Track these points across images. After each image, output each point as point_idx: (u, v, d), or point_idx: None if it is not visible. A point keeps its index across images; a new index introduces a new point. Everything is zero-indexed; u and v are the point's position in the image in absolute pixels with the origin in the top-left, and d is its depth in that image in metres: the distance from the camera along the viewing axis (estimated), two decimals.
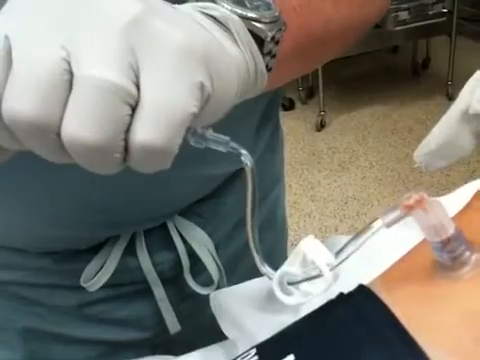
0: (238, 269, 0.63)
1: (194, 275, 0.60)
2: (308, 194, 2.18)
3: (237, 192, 0.59)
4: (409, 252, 0.27)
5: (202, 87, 0.26)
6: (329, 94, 2.63)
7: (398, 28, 2.40)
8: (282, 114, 2.48)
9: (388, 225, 0.23)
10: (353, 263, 0.44)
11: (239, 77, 0.29)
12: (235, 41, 0.29)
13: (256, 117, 0.56)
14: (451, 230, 0.23)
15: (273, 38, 0.31)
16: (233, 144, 0.29)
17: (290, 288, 0.27)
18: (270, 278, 0.28)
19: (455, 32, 2.46)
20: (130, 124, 0.25)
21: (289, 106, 2.73)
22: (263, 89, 0.33)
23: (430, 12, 2.41)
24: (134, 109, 0.25)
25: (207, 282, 0.60)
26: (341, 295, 0.25)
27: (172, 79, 0.25)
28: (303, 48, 0.39)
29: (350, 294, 0.25)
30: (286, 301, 0.27)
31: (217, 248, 0.60)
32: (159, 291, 0.59)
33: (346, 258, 0.25)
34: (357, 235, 0.24)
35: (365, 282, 0.28)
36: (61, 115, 0.24)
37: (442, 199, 0.43)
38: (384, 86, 2.79)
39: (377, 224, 0.24)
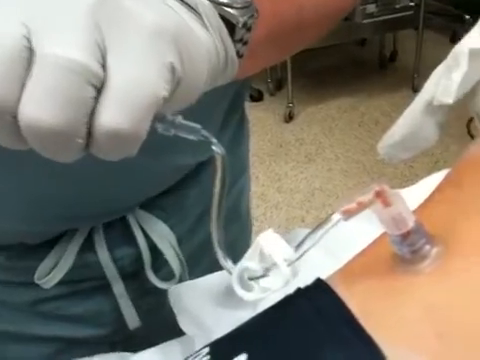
0: (201, 263, 0.62)
1: (155, 270, 0.58)
2: (275, 185, 2.18)
3: (201, 184, 0.58)
4: (369, 245, 0.26)
5: (173, 69, 0.25)
6: (297, 86, 2.63)
7: (366, 21, 2.41)
8: (250, 105, 2.48)
9: (346, 218, 0.22)
10: (317, 256, 0.43)
11: (209, 62, 0.28)
12: (204, 25, 0.28)
13: (223, 108, 0.55)
14: (411, 223, 0.22)
15: (245, 24, 0.30)
16: (204, 132, 0.28)
17: (251, 283, 0.26)
18: (230, 273, 0.27)
19: (422, 26, 2.49)
20: (94, 107, 0.23)
21: (257, 97, 2.73)
22: (233, 76, 0.32)
23: (397, 6, 2.43)
24: (99, 91, 0.23)
25: (169, 276, 0.58)
26: (298, 290, 0.24)
27: (141, 60, 0.23)
28: (276, 36, 0.38)
29: (307, 289, 0.24)
30: (245, 297, 0.26)
31: (179, 242, 0.58)
32: (119, 287, 0.57)
33: (304, 252, 0.24)
34: (316, 228, 0.23)
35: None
36: (19, 96, 0.22)
37: (404, 191, 0.42)
38: (351, 79, 2.81)
39: (336, 217, 0.23)
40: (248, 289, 0.26)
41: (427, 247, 0.23)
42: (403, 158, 0.48)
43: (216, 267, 0.37)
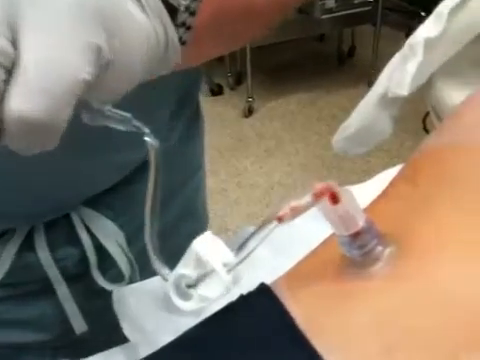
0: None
1: (103, 271, 0.55)
2: (235, 180, 2.16)
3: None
4: (317, 246, 0.24)
5: (98, 50, 0.22)
6: (257, 80, 2.62)
7: (325, 16, 2.42)
8: (210, 99, 2.44)
9: (282, 222, 0.20)
10: (267, 256, 0.41)
11: (147, 47, 0.26)
12: (143, 7, 0.25)
13: (172, 100, 0.52)
14: (361, 222, 0.20)
15: (188, 8, 0.28)
16: (136, 122, 0.26)
17: (189, 291, 0.24)
18: (166, 280, 0.25)
19: (380, 22, 2.52)
20: (5, 91, 0.20)
21: (217, 91, 2.70)
22: (176, 64, 0.30)
23: (356, 1, 2.45)
24: (10, 73, 0.20)
25: (118, 278, 0.55)
26: (240, 297, 0.22)
27: (58, 38, 0.21)
28: (223, 22, 0.36)
29: (249, 295, 0.22)
30: (182, 306, 0.24)
31: (129, 241, 0.55)
32: (62, 289, 0.53)
33: (245, 257, 0.22)
34: (259, 229, 0.21)
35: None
36: None
37: (357, 187, 0.41)
38: (311, 74, 2.81)
39: (280, 215, 0.20)
40: (186, 298, 0.24)
41: (379, 248, 0.21)
42: (357, 152, 0.47)
43: (169, 268, 0.35)
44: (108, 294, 0.55)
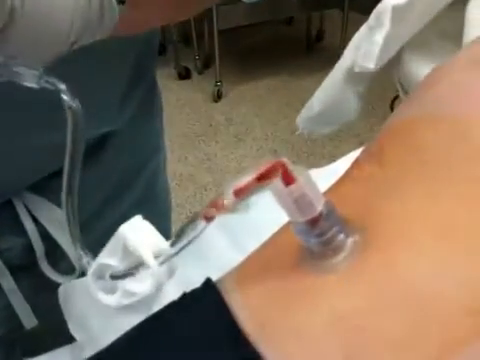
0: None
1: (53, 262, 0.51)
2: (204, 166, 2.13)
3: (102, 165, 0.51)
4: (272, 236, 0.21)
5: None
6: (226, 64, 2.58)
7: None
8: (178, 83, 2.40)
9: (234, 202, 0.17)
10: (224, 247, 0.38)
11: (74, 3, 0.22)
12: None
13: (122, 74, 0.48)
14: (319, 207, 0.17)
15: None
16: (49, 78, 0.22)
17: (114, 284, 0.20)
18: (85, 270, 0.21)
19: (347, 6, 2.50)
20: None
21: (185, 75, 2.64)
22: (117, 29, 0.26)
23: None
24: None
25: (70, 269, 0.52)
26: (183, 295, 0.19)
27: None
28: None
29: (192, 293, 0.18)
30: (104, 301, 0.20)
31: (81, 230, 0.52)
32: (7, 282, 0.49)
33: (182, 248, 0.18)
34: (193, 218, 0.18)
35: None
36: None
37: (321, 170, 0.38)
38: (279, 58, 2.78)
39: (223, 198, 0.17)
40: (110, 291, 0.20)
41: (341, 237, 0.18)
42: (323, 132, 0.44)
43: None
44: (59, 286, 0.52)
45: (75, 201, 0.24)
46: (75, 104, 0.23)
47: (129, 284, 0.20)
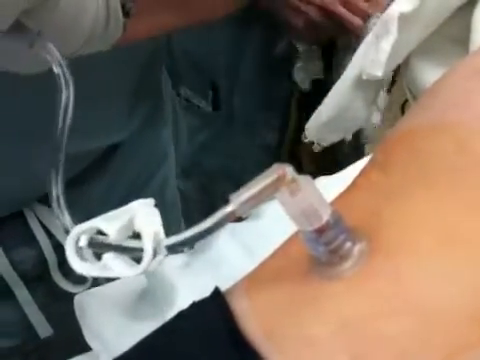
0: None
1: (65, 272, 0.51)
2: None
3: (109, 175, 0.52)
4: (282, 244, 0.21)
5: None
6: None
7: None
8: None
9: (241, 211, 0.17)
10: (238, 255, 0.38)
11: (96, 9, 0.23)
12: None
13: (130, 84, 0.49)
14: (326, 216, 0.18)
15: None
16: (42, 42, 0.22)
17: (89, 252, 0.19)
18: (67, 230, 0.20)
19: None
20: None
21: None
22: (118, 36, 0.27)
23: None
24: None
25: (82, 279, 0.52)
26: (192, 304, 0.19)
27: None
28: None
29: (200, 303, 0.19)
30: (74, 265, 0.19)
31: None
32: (22, 293, 0.50)
33: (182, 245, 0.18)
34: (202, 223, 0.18)
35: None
36: None
37: (329, 179, 0.38)
38: None
39: (229, 208, 0.17)
40: (84, 257, 0.19)
41: (348, 244, 0.18)
42: (332, 139, 0.44)
43: None
44: (72, 296, 0.52)
45: (62, 157, 0.23)
46: (65, 69, 0.22)
47: (113, 260, 0.19)
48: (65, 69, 0.22)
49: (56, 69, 0.22)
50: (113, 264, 0.19)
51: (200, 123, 0.95)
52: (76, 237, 0.19)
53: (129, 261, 0.19)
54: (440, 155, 0.19)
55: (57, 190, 0.22)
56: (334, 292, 0.18)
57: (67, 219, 0.21)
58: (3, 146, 0.37)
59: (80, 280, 0.52)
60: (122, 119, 0.49)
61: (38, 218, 0.48)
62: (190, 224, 0.18)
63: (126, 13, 0.26)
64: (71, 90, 0.22)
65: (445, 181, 0.19)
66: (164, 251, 0.18)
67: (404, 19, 0.35)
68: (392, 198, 0.19)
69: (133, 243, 0.19)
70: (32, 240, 0.48)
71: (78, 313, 0.39)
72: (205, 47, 0.86)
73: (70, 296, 0.51)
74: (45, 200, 0.48)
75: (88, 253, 0.19)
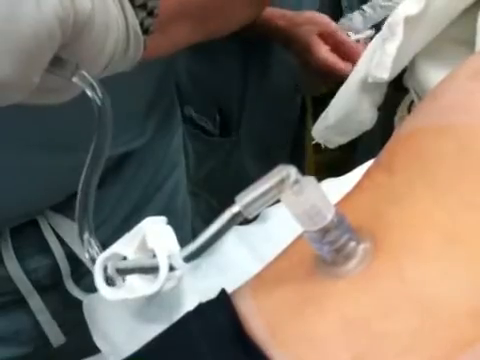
0: None
1: (77, 280, 0.52)
2: None
3: (123, 182, 0.52)
4: (288, 245, 0.22)
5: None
6: None
7: None
8: None
9: (248, 212, 0.17)
10: (245, 258, 0.38)
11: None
12: None
13: (146, 92, 0.49)
14: (329, 216, 0.18)
15: None
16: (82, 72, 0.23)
17: (118, 277, 0.20)
18: (93, 260, 0.21)
19: None
20: None
21: None
22: (139, 57, 0.26)
23: None
24: None
25: (94, 287, 0.52)
26: (199, 305, 0.19)
27: None
28: (194, 6, 0.33)
29: (206, 304, 0.19)
30: (103, 292, 0.20)
31: (103, 247, 0.52)
32: (35, 302, 0.50)
33: (197, 254, 0.18)
34: (210, 227, 0.18)
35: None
36: None
37: (338, 180, 0.38)
38: None
39: (234, 209, 0.18)
40: (114, 284, 0.20)
41: (352, 244, 0.18)
42: (340, 142, 0.44)
43: None
44: None
45: (92, 196, 0.24)
46: (103, 102, 0.23)
47: (136, 280, 0.20)
48: (105, 101, 0.23)
49: (97, 101, 0.23)
50: (136, 284, 0.20)
51: (208, 149, 0.94)
52: (103, 265, 0.20)
53: (151, 278, 0.20)
54: (443, 156, 0.20)
55: (88, 226, 0.23)
56: (338, 291, 0.18)
57: (95, 250, 0.22)
58: (19, 155, 0.38)
59: (93, 288, 0.52)
60: (137, 127, 0.50)
61: (52, 227, 0.48)
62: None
63: (145, 30, 0.25)
64: (109, 123, 0.23)
65: (448, 182, 0.19)
66: (181, 263, 0.19)
67: (410, 22, 0.35)
68: (396, 199, 0.19)
69: (150, 262, 0.20)
70: (45, 248, 0.49)
71: (87, 315, 0.39)
72: (209, 67, 0.85)
73: (81, 304, 0.52)
74: (59, 208, 0.48)
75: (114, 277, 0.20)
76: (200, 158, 0.95)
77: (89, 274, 0.51)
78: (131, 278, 0.20)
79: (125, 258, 0.21)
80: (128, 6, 0.24)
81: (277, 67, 0.85)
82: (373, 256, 0.18)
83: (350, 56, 0.68)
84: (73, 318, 0.54)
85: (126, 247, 0.21)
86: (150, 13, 0.26)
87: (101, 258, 0.21)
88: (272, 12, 0.73)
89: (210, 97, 0.88)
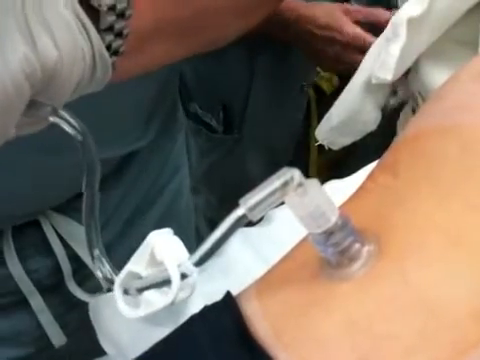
0: None
1: (80, 281, 0.52)
2: None
3: (124, 184, 0.52)
4: (293, 248, 0.22)
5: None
6: None
7: None
8: None
9: (252, 214, 0.17)
10: (248, 260, 0.38)
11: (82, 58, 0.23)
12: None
13: (147, 95, 0.49)
14: (333, 218, 0.18)
15: (113, 8, 0.23)
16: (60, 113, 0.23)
17: (139, 296, 0.21)
18: (111, 282, 0.22)
19: None
20: None
21: None
22: (108, 78, 0.25)
23: None
24: None
25: (96, 288, 0.52)
26: (204, 308, 0.19)
27: None
28: (175, 22, 0.30)
29: (212, 307, 0.19)
30: (128, 314, 0.21)
31: (106, 249, 0.52)
32: (37, 302, 0.50)
33: (206, 258, 0.19)
34: (215, 231, 0.18)
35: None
36: None
37: (342, 181, 0.38)
38: None
39: (239, 211, 0.18)
40: (135, 304, 0.21)
41: (356, 246, 0.18)
42: (344, 143, 0.44)
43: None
44: (87, 305, 0.52)
45: (97, 222, 0.24)
46: (85, 136, 0.23)
47: (150, 294, 0.21)
48: (86, 136, 0.23)
49: (78, 137, 0.23)
50: (152, 298, 0.21)
51: (210, 145, 0.93)
52: (122, 289, 0.21)
53: (165, 290, 0.20)
54: (446, 157, 0.20)
55: (98, 247, 0.24)
56: (343, 293, 0.18)
57: (108, 269, 0.23)
58: (20, 155, 0.38)
59: (94, 289, 0.52)
60: (139, 130, 0.50)
61: (54, 227, 0.48)
62: (199, 238, 0.19)
63: (115, 52, 0.24)
64: (94, 155, 0.23)
65: (451, 183, 0.19)
66: (192, 269, 0.19)
67: (413, 23, 0.35)
68: (399, 200, 0.19)
69: (162, 275, 0.20)
70: (47, 249, 0.49)
71: (93, 317, 0.39)
72: (215, 65, 0.85)
73: (84, 305, 0.51)
74: (61, 209, 0.48)
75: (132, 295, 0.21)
76: (202, 154, 0.95)
77: (91, 275, 0.51)
78: (147, 293, 0.21)
79: (138, 275, 0.21)
80: (93, 31, 0.23)
81: (283, 66, 0.85)
82: (377, 258, 0.18)
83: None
84: (75, 319, 0.54)
85: (137, 265, 0.21)
86: (119, 34, 0.25)
87: (119, 280, 0.21)
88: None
89: (215, 94, 0.88)
